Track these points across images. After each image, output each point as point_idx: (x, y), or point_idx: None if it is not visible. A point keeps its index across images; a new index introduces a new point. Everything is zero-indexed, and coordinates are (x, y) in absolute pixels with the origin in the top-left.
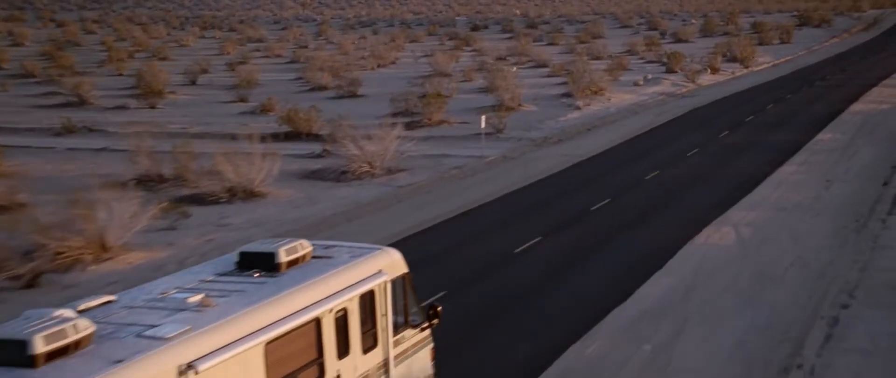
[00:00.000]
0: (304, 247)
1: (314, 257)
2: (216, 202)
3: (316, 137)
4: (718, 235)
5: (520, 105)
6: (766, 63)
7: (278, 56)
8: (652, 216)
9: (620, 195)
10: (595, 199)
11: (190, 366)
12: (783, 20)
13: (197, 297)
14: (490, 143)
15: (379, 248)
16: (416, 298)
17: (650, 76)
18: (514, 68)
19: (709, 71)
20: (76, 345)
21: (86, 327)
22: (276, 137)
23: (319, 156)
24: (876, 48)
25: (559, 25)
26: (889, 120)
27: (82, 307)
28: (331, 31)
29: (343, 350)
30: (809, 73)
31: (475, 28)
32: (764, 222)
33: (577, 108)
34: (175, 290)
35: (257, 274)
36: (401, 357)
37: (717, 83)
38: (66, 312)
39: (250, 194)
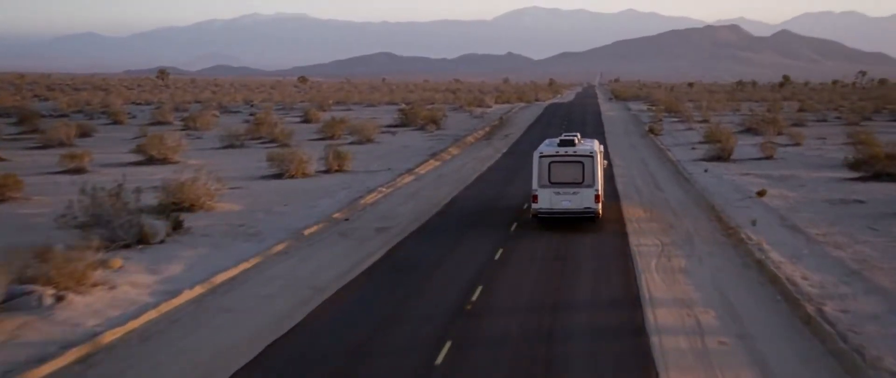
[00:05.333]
0: (580, 137)
1: (581, 140)
2: None
3: None
4: None
5: None
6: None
7: None
8: None
9: None
10: None
11: (605, 156)
12: (384, 117)
13: (574, 141)
14: None
15: (595, 140)
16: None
17: None
18: None
19: None
20: (577, 141)
21: (578, 137)
22: None
23: None
24: (505, 196)
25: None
26: None
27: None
28: None
29: (600, 162)
30: None
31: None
32: None
33: None
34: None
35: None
36: (605, 167)
37: None
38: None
39: None
